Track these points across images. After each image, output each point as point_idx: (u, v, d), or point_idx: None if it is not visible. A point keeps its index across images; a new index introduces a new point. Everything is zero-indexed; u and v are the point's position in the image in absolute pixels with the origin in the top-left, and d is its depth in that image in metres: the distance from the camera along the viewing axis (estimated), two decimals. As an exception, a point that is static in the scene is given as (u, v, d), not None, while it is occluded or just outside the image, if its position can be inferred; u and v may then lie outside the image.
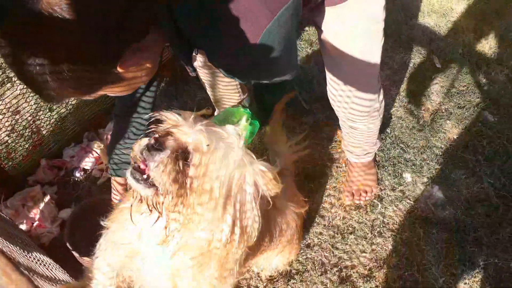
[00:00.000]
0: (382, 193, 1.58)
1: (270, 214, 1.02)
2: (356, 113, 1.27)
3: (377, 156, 1.65)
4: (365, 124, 1.33)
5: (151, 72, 0.82)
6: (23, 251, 1.13)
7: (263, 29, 0.76)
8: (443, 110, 1.78)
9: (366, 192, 1.56)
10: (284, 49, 0.84)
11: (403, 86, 1.85)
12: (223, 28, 0.77)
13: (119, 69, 0.71)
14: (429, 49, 1.97)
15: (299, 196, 1.25)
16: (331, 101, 1.29)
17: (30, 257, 1.17)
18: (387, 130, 1.72)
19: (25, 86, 1.33)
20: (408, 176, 1.62)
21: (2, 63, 1.70)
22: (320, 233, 1.50)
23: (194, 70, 0.96)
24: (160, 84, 1.85)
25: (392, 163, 1.64)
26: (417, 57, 1.95)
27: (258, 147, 1.67)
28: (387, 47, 1.95)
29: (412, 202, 1.56)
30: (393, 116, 1.76)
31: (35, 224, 1.45)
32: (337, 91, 1.22)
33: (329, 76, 1.21)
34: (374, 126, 1.38)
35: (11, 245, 1.08)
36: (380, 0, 1.04)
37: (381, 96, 1.29)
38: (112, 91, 0.79)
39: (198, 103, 1.80)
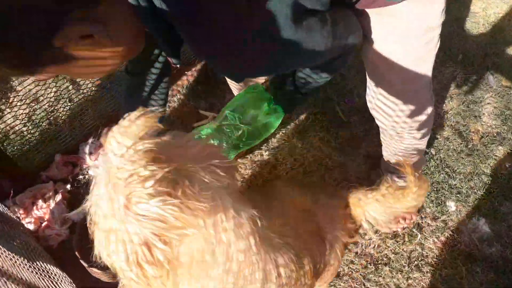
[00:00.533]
0: (422, 222, 1.43)
1: (320, 249, 0.89)
2: (400, 126, 1.12)
3: (419, 179, 1.49)
4: (411, 135, 1.18)
5: (121, 56, 0.69)
6: (27, 261, 1.02)
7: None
8: (495, 134, 1.61)
9: (404, 219, 1.41)
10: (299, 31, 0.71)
11: (452, 104, 1.69)
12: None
13: (57, 43, 0.58)
14: (484, 65, 1.79)
15: (349, 222, 1.08)
16: (371, 110, 1.14)
17: (34, 267, 1.06)
18: (432, 151, 1.56)
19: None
20: (452, 205, 1.46)
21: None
22: (352, 262, 1.35)
23: (179, 62, 0.82)
24: (172, 82, 1.73)
25: (435, 189, 1.49)
26: (469, 73, 1.77)
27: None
28: (436, 59, 1.78)
29: (455, 235, 1.40)
30: (439, 136, 1.60)
31: (43, 224, 1.34)
32: (380, 101, 1.07)
33: (371, 84, 1.06)
34: (412, 139, 1.22)
35: (12, 255, 0.97)
36: (439, 2, 0.87)
37: (431, 108, 1.12)
38: (69, 72, 0.66)
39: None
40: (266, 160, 1.52)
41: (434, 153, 1.56)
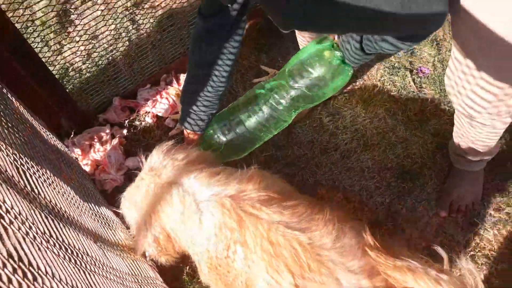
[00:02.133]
0: (484, 211, 1.35)
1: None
2: (473, 105, 1.00)
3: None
4: (488, 121, 1.07)
5: None
6: (84, 203, 1.03)
7: None
8: None
9: (466, 206, 1.34)
10: None
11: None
12: None
13: None
14: None
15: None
16: (445, 81, 1.03)
17: (92, 210, 1.07)
18: (506, 135, 1.44)
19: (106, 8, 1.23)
20: (520, 197, 1.37)
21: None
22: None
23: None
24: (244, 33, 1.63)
25: (504, 178, 1.39)
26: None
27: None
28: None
29: (518, 229, 1.33)
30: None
31: (100, 167, 1.35)
32: (457, 71, 0.95)
33: (454, 47, 0.94)
34: (501, 125, 1.10)
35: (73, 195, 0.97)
36: None
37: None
38: None
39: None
40: (325, 127, 1.45)
41: (507, 138, 1.44)
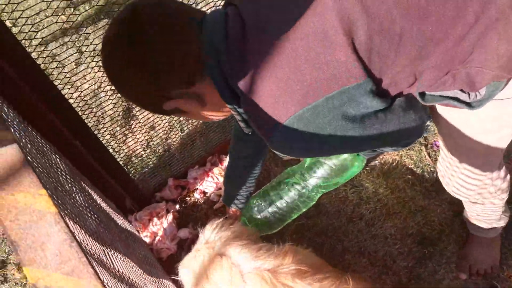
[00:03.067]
0: (503, 274, 1.45)
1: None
2: (463, 191, 1.16)
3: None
4: (483, 200, 1.22)
5: (220, 117, 0.95)
6: (148, 275, 1.26)
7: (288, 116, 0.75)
8: None
9: (484, 270, 1.45)
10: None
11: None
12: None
13: (164, 108, 0.85)
14: None
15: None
16: (438, 168, 1.20)
17: (154, 279, 1.30)
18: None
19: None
20: (539, 261, 1.46)
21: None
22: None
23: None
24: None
25: (522, 241, 1.49)
26: None
27: (373, 198, 1.63)
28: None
29: (538, 292, 1.41)
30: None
31: (157, 239, 1.60)
32: (445, 161, 1.13)
33: (440, 143, 1.12)
34: (492, 208, 1.24)
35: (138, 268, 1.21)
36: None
37: (500, 175, 1.14)
38: (190, 117, 0.99)
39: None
40: (350, 197, 1.64)
41: (523, 205, 1.56)
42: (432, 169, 1.66)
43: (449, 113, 0.97)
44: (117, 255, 1.03)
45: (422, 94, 0.85)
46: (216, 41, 0.77)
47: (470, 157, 1.04)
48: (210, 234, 1.23)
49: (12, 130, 0.53)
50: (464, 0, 0.73)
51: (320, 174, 1.34)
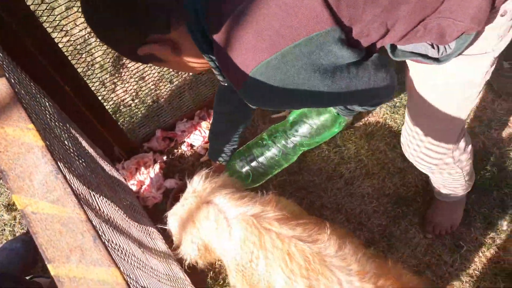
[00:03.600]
0: (471, 235, 1.54)
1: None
2: (423, 163, 1.22)
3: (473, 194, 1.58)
4: (436, 175, 1.29)
5: (197, 69, 0.96)
6: (134, 221, 1.32)
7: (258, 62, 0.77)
8: None
9: (445, 231, 1.53)
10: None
11: (526, 124, 1.71)
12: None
13: (139, 52, 0.85)
14: None
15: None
16: (401, 142, 1.25)
17: (139, 225, 1.36)
18: (494, 169, 1.62)
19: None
20: (504, 224, 1.55)
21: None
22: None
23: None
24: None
25: (490, 205, 1.57)
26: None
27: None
28: None
29: (501, 252, 1.51)
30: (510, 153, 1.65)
31: (143, 187, 1.65)
32: (409, 135, 1.17)
33: (406, 116, 1.15)
34: (452, 177, 1.29)
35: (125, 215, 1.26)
36: (485, 61, 0.92)
37: (459, 146, 1.17)
38: (167, 66, 0.98)
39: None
40: (332, 157, 1.69)
41: (495, 171, 1.62)
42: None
43: (417, 75, 1.00)
44: (103, 199, 1.07)
45: (393, 49, 0.87)
46: None
47: (431, 125, 1.08)
48: (198, 184, 1.28)
49: (2, 66, 0.55)
50: None
51: (301, 133, 1.38)
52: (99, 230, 0.79)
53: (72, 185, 0.49)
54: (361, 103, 1.01)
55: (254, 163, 1.45)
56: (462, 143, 1.17)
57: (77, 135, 1.26)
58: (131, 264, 0.99)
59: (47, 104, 1.05)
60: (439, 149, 1.13)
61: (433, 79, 0.97)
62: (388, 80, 0.91)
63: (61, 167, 0.50)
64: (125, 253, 0.99)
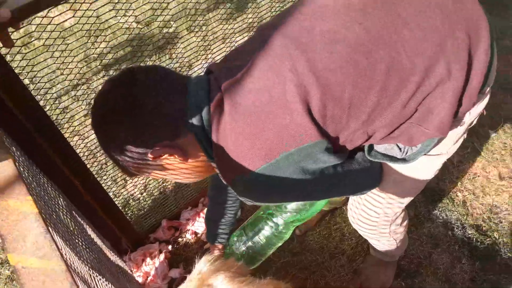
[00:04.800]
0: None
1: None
2: (362, 229, 1.31)
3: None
4: (372, 240, 1.38)
5: (199, 175, 0.99)
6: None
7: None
8: None
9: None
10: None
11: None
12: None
13: (150, 156, 0.88)
14: None
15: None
16: (348, 206, 1.33)
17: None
18: (494, 235, 1.63)
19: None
20: (514, 290, 1.51)
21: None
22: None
23: None
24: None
25: (496, 271, 1.55)
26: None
27: (354, 234, 1.72)
28: (507, 138, 1.87)
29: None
30: (504, 221, 1.66)
31: (149, 279, 1.69)
32: (355, 201, 1.25)
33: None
34: (388, 243, 1.38)
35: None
36: (436, 164, 1.06)
37: (395, 225, 1.27)
38: (165, 176, 0.97)
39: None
40: (334, 234, 1.72)
41: (497, 238, 1.62)
42: (410, 208, 1.76)
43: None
44: (107, 285, 1.13)
45: (370, 150, 0.99)
46: (200, 102, 0.89)
47: (377, 199, 1.16)
48: (204, 266, 1.32)
49: (11, 152, 0.68)
50: (406, 72, 0.84)
51: (290, 209, 1.44)
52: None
53: (58, 244, 0.57)
54: (348, 195, 1.10)
55: (249, 243, 1.50)
56: (399, 219, 1.26)
57: (85, 225, 1.36)
58: None
59: (56, 194, 1.17)
60: (378, 220, 1.22)
61: (393, 171, 1.07)
62: (372, 175, 1.02)
63: (51, 230, 0.58)
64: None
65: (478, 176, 1.81)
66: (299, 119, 0.83)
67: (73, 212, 1.30)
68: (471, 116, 0.96)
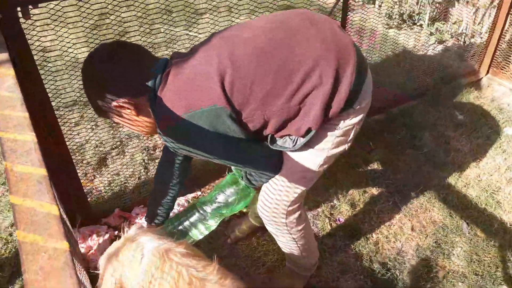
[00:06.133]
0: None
1: None
2: (263, 212, 1.54)
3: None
4: (278, 237, 1.61)
5: (146, 129, 1.33)
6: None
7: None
8: (459, 273, 1.86)
9: None
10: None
11: (427, 241, 2.00)
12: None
13: (114, 104, 1.22)
14: (461, 214, 2.11)
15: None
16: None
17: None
18: (396, 272, 1.86)
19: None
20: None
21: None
22: None
23: None
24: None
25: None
26: (447, 218, 2.10)
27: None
28: (424, 200, 2.17)
29: None
30: (407, 262, 1.90)
31: (91, 251, 1.89)
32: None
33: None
34: (289, 242, 1.59)
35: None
36: (319, 158, 1.36)
37: (290, 221, 1.51)
38: (121, 122, 1.31)
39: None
40: (260, 247, 1.95)
41: (398, 275, 1.85)
42: (329, 239, 2.01)
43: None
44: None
45: (272, 141, 1.33)
46: (157, 73, 1.25)
47: (278, 181, 1.44)
48: (131, 232, 1.56)
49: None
50: (293, 72, 1.20)
51: (219, 200, 1.71)
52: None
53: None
54: (251, 168, 1.42)
55: (180, 227, 1.74)
56: (295, 216, 1.52)
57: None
58: None
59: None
60: (277, 207, 1.48)
61: (289, 160, 1.41)
62: (273, 161, 1.38)
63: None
64: None
65: (394, 225, 2.08)
66: (214, 86, 1.18)
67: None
68: (345, 125, 1.31)
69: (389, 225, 2.08)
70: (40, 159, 0.72)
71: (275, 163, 1.41)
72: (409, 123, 2.69)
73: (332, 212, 2.14)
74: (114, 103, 1.24)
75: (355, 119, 1.32)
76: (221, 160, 1.33)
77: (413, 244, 1.99)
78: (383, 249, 1.97)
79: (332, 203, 2.18)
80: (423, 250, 1.96)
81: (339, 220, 2.10)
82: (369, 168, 2.40)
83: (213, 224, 1.78)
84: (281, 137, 1.32)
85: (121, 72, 1.23)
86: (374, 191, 2.25)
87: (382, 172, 2.36)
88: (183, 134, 1.23)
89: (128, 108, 1.26)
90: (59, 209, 0.65)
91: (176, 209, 2.09)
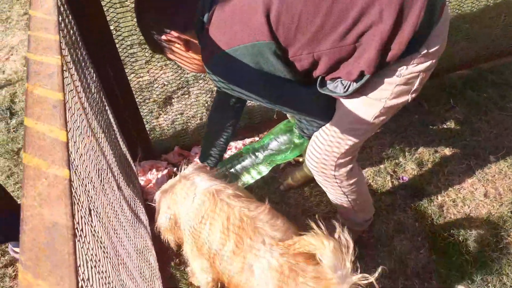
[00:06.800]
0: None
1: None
2: (311, 161, 1.44)
3: None
4: (327, 188, 1.52)
5: (195, 67, 1.30)
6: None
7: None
8: None
9: None
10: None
11: (501, 210, 1.80)
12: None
13: (163, 37, 1.19)
14: None
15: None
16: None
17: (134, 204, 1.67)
18: (460, 238, 1.70)
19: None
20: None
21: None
22: None
23: None
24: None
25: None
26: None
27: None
28: (504, 166, 1.93)
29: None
30: (474, 231, 1.73)
31: (149, 185, 1.98)
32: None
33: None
34: (337, 195, 1.52)
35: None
36: (374, 108, 1.22)
37: (340, 174, 1.42)
38: (174, 58, 1.29)
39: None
40: (312, 197, 1.90)
41: (461, 241, 1.70)
42: (387, 196, 1.89)
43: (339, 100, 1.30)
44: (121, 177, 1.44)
45: (322, 84, 1.21)
46: (204, 10, 1.18)
47: (329, 132, 1.34)
48: (187, 170, 1.59)
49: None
50: (347, 7, 1.05)
51: (271, 147, 1.66)
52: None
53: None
54: (298, 113, 1.33)
55: (232, 170, 1.73)
56: (346, 169, 1.41)
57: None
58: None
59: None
60: (326, 158, 1.38)
61: (341, 107, 1.28)
62: (321, 108, 1.27)
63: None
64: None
65: (464, 189, 1.89)
66: (259, 18, 1.09)
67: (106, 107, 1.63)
68: (408, 71, 1.14)
69: (458, 188, 1.90)
70: (60, 83, 0.71)
71: (325, 109, 1.30)
72: (499, 81, 2.37)
73: (395, 169, 1.99)
74: (163, 37, 1.22)
75: (421, 66, 1.15)
76: (267, 101, 1.26)
77: (483, 211, 1.80)
78: (448, 212, 1.81)
79: (397, 161, 2.02)
80: (495, 219, 1.77)
81: (402, 179, 1.95)
82: (444, 126, 2.18)
83: (264, 170, 1.75)
84: (332, 80, 1.20)
85: (170, 4, 1.20)
86: (447, 151, 2.05)
87: (459, 132, 2.13)
88: (224, 72, 1.18)
89: (178, 43, 1.23)
90: (67, 136, 0.64)
91: (233, 151, 2.10)
